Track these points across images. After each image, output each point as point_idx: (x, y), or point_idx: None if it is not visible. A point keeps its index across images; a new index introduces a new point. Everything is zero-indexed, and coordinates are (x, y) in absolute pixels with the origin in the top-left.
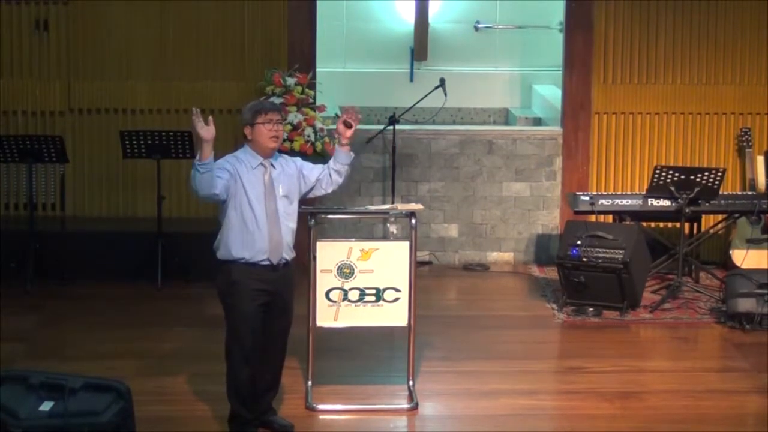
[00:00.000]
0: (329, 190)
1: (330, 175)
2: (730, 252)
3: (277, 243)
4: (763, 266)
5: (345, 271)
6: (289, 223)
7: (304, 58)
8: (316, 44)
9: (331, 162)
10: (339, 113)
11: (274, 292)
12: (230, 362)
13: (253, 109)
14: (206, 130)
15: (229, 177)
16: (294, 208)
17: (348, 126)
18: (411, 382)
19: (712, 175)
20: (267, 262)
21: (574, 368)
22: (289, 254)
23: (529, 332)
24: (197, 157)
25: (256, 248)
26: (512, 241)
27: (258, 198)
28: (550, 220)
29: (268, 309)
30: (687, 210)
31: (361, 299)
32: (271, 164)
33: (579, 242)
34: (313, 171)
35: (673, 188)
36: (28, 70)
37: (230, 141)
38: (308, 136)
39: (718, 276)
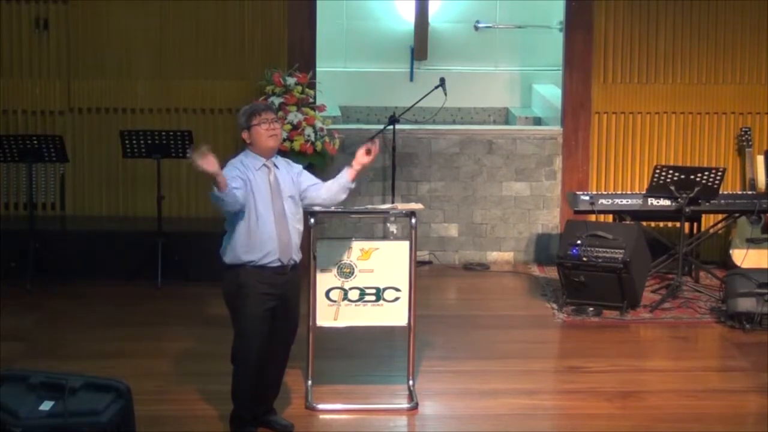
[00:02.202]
0: (316, 202)
1: (322, 190)
2: (730, 251)
3: (286, 243)
4: (763, 266)
5: (345, 270)
6: (296, 224)
7: (304, 58)
8: (316, 44)
9: (330, 182)
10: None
11: (281, 295)
12: (237, 365)
13: (247, 113)
14: (208, 163)
15: (242, 184)
16: (299, 209)
17: (368, 153)
18: (411, 382)
19: (712, 175)
20: (277, 263)
21: (574, 368)
22: (297, 255)
23: (529, 332)
24: (215, 189)
25: (265, 250)
26: (512, 240)
27: (264, 199)
28: (550, 219)
29: (274, 312)
30: (687, 210)
31: (361, 299)
32: (274, 164)
33: (579, 242)
34: (306, 179)
35: (673, 188)
36: (28, 69)
37: (230, 141)
38: (308, 135)
39: (718, 275)
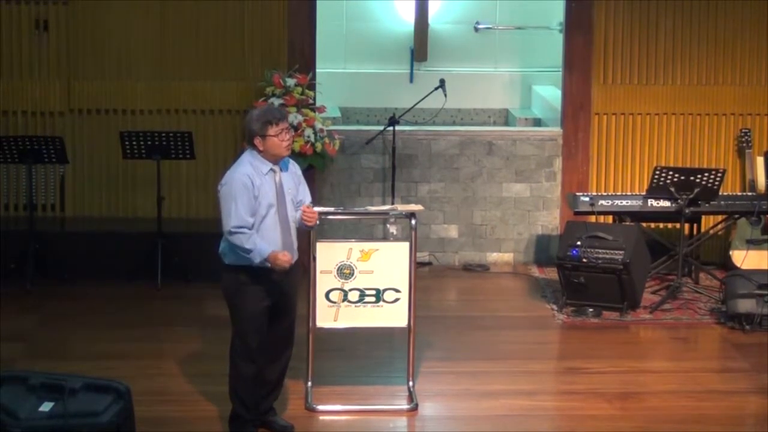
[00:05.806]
0: None
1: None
2: (730, 253)
3: (288, 248)
4: (763, 267)
5: (345, 271)
6: (295, 225)
7: (303, 59)
8: (316, 44)
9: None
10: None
11: (281, 292)
12: (234, 361)
13: (261, 120)
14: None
15: (254, 200)
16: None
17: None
18: (411, 383)
19: (712, 176)
20: None
21: (573, 369)
22: (296, 256)
23: (529, 333)
24: (263, 254)
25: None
26: (512, 241)
27: (270, 205)
28: (550, 220)
29: (273, 309)
30: (687, 211)
31: (361, 300)
32: (280, 168)
33: (579, 243)
34: (304, 192)
35: (673, 189)
36: (28, 70)
37: (230, 141)
38: (308, 136)
39: (718, 277)
